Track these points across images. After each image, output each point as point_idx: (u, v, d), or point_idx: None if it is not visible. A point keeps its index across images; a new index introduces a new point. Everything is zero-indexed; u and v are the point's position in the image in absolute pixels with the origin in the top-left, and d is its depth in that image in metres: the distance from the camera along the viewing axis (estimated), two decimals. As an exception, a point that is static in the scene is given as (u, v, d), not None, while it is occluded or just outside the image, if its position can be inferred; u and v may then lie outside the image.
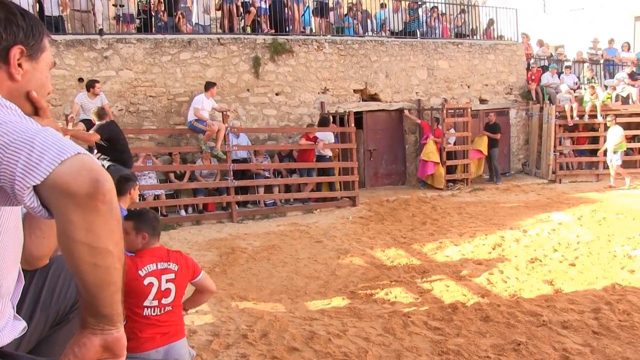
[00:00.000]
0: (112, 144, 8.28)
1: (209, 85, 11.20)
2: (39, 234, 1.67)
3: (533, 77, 16.10)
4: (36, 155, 1.22)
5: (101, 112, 8.55)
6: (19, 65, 1.48)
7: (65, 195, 1.22)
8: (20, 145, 1.23)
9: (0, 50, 1.47)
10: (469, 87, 15.50)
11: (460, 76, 15.36)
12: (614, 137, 13.87)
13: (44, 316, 1.75)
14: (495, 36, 16.77)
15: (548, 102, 15.50)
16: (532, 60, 17.08)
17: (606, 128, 14.45)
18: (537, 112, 15.79)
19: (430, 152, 13.83)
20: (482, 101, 15.76)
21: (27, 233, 1.61)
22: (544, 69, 16.61)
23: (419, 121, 14.42)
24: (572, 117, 14.91)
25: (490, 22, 16.79)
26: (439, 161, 13.88)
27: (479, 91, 15.70)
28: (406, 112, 14.51)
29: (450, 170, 14.25)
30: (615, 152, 13.82)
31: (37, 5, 11.21)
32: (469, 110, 14.46)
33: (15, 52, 1.47)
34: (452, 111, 14.39)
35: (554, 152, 15.00)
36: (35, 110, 1.55)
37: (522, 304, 6.09)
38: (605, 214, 10.71)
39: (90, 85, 10.17)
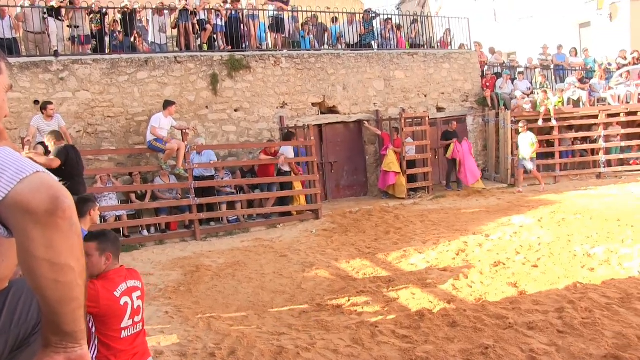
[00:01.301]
0: (67, 167, 8.08)
1: (167, 104, 11.10)
2: (-3, 256, 1.63)
3: (487, 84, 16.41)
4: None
5: (57, 135, 8.30)
6: (-25, 88, 1.46)
7: (25, 212, 1.21)
8: None
9: None
10: (425, 96, 15.69)
11: (417, 86, 15.54)
12: (525, 145, 14.29)
13: (3, 340, 1.70)
14: (451, 46, 17.01)
15: (503, 107, 15.79)
16: (486, 68, 17.39)
17: (534, 131, 14.83)
18: (493, 118, 16.06)
19: (391, 162, 13.93)
20: (440, 109, 15.97)
21: (-15, 256, 1.58)
22: (498, 75, 16.96)
23: (379, 132, 14.51)
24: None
25: (447, 32, 17.03)
26: (399, 171, 13.98)
27: (436, 100, 15.90)
28: (366, 123, 14.60)
29: (411, 179, 14.39)
30: (531, 159, 14.26)
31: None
32: (427, 119, 14.64)
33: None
34: (411, 120, 14.55)
35: (512, 156, 15.26)
36: (-9, 133, 1.53)
37: (488, 308, 6.17)
38: (564, 215, 10.94)
39: (43, 107, 9.97)
